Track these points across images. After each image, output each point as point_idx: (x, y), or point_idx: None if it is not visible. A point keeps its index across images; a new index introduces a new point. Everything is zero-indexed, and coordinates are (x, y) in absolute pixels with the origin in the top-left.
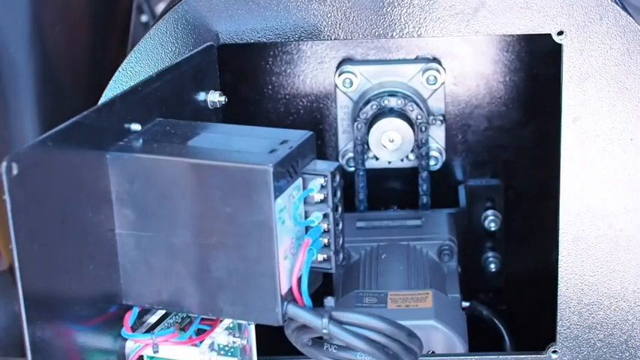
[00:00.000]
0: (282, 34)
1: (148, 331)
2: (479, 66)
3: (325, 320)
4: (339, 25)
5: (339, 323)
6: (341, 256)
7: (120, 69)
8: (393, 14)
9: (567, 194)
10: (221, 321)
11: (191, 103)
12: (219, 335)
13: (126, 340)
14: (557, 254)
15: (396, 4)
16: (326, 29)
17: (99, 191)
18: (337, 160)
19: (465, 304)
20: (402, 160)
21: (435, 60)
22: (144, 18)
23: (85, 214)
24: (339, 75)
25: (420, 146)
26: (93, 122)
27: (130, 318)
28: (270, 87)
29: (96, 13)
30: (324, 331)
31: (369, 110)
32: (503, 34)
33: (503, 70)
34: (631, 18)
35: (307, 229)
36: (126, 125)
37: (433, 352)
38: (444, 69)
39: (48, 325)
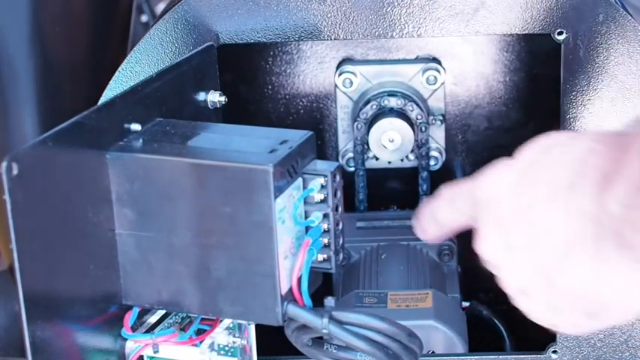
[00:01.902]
0: (282, 34)
1: (148, 331)
2: (479, 66)
3: (325, 320)
4: (339, 25)
5: (339, 323)
6: (341, 256)
7: (120, 69)
8: (393, 14)
9: None
10: (221, 321)
11: (191, 103)
12: (219, 335)
13: (126, 340)
14: None
15: (396, 4)
16: (326, 29)
17: (99, 191)
18: (337, 160)
19: (465, 304)
20: (402, 160)
21: (435, 60)
22: (144, 18)
23: (85, 214)
24: (339, 75)
25: (420, 146)
26: (93, 122)
27: (130, 318)
28: (270, 87)
29: (96, 13)
30: (324, 331)
31: (369, 110)
32: (503, 34)
33: (503, 70)
34: (631, 18)
35: (307, 229)
36: (126, 125)
37: (433, 352)
38: (444, 69)
39: (48, 325)
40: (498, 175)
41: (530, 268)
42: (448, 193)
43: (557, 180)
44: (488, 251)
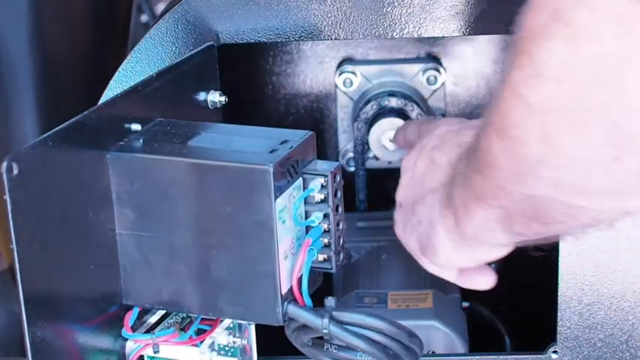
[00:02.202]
0: (282, 34)
1: (148, 331)
2: (479, 66)
3: (326, 320)
4: (340, 24)
5: (340, 323)
6: (341, 256)
7: (120, 69)
8: (393, 14)
9: None
10: (221, 321)
11: (191, 103)
12: (220, 335)
13: (126, 340)
14: (558, 254)
15: (396, 4)
16: (326, 29)
17: (99, 191)
18: (337, 160)
19: (465, 304)
20: (402, 159)
21: (435, 60)
22: (144, 18)
23: (85, 214)
24: (340, 75)
25: None
26: (93, 122)
27: (130, 318)
28: (270, 87)
29: (96, 13)
30: (325, 331)
31: (369, 110)
32: (504, 34)
33: (503, 70)
34: None
35: (308, 229)
36: (126, 125)
37: (433, 352)
38: (444, 69)
39: (48, 325)
40: (446, 122)
41: (411, 188)
42: (420, 119)
43: (459, 141)
44: (404, 164)
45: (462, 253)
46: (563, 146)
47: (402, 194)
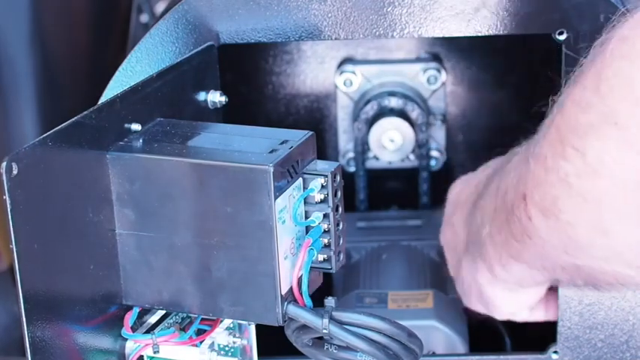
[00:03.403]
0: (282, 34)
1: (148, 332)
2: (479, 66)
3: (326, 320)
4: (340, 24)
5: (340, 323)
6: (341, 256)
7: (120, 69)
8: (393, 14)
9: None
10: (221, 321)
11: (191, 103)
12: (220, 335)
13: (126, 340)
14: None
15: (396, 4)
16: (327, 29)
17: (99, 191)
18: (338, 160)
19: None
20: (402, 160)
21: (436, 60)
22: (144, 18)
23: (85, 214)
24: (340, 75)
25: (421, 146)
26: (93, 122)
27: (130, 318)
28: (270, 87)
29: (96, 13)
30: (325, 331)
31: (370, 110)
32: (504, 34)
33: (504, 70)
34: None
35: (308, 229)
36: (126, 125)
37: (434, 352)
38: (444, 69)
39: (48, 325)
40: (460, 181)
41: (451, 260)
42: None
43: (470, 199)
44: (440, 240)
45: (516, 296)
46: (617, 233)
47: (450, 269)
